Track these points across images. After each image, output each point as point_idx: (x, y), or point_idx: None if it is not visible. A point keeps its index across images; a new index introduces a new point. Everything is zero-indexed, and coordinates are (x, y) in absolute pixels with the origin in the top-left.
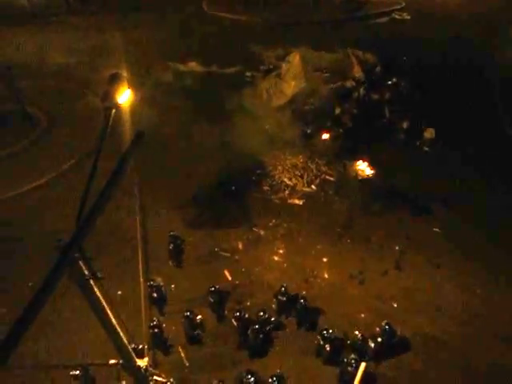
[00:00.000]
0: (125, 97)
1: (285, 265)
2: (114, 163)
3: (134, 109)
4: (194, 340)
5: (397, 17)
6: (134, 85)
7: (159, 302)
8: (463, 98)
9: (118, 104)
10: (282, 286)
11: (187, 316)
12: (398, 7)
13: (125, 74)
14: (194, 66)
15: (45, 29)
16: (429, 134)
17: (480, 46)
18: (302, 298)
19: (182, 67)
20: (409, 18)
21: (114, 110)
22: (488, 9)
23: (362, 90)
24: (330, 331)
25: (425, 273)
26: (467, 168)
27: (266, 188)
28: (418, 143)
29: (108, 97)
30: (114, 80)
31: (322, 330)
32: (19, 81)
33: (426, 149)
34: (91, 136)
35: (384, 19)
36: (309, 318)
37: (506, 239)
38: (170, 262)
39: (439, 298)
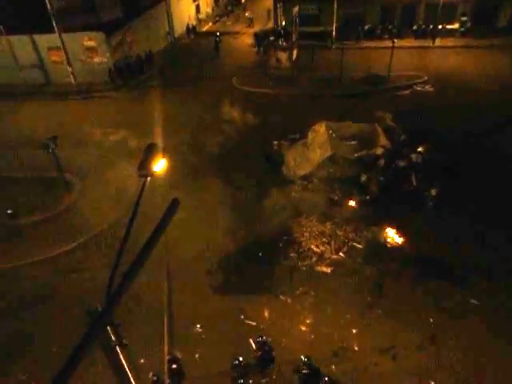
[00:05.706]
0: (160, 166)
1: (312, 336)
2: (145, 230)
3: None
4: None
5: (418, 89)
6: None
7: (178, 375)
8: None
9: (154, 172)
10: (305, 358)
11: None
12: (420, 81)
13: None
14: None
15: (87, 103)
16: None
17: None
18: (327, 377)
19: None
20: (432, 90)
21: (149, 178)
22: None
23: (388, 158)
24: None
25: (462, 346)
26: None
27: (293, 255)
28: None
29: (144, 166)
30: (151, 150)
31: None
32: (59, 150)
33: None
34: (124, 203)
35: (406, 92)
36: None
37: None
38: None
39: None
